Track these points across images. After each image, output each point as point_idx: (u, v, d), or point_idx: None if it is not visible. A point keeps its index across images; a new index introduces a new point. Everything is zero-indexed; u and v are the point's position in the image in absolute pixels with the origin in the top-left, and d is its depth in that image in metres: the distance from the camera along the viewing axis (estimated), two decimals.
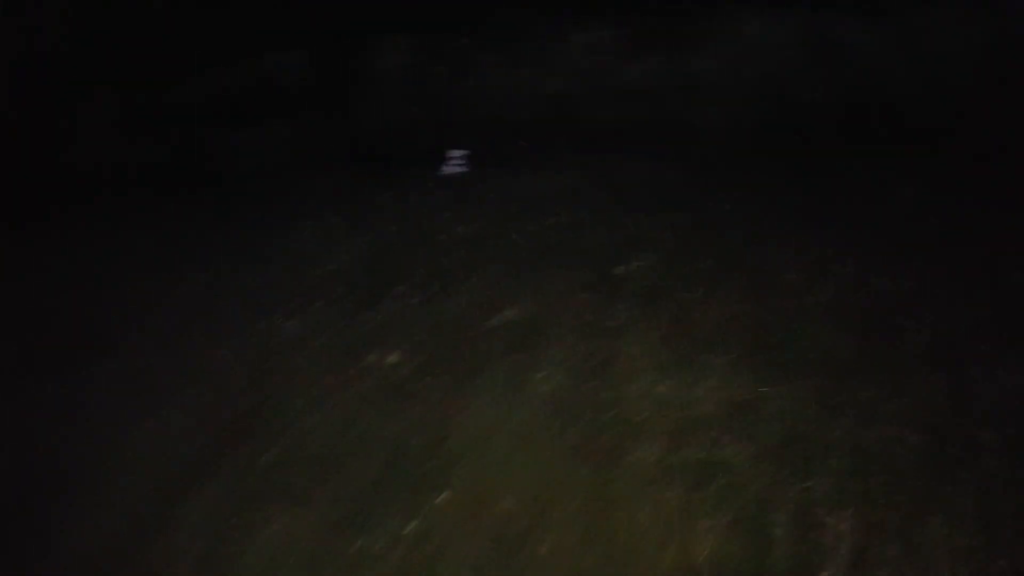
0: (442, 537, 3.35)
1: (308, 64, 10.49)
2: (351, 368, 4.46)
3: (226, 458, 4.02)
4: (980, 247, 5.18)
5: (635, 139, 8.69)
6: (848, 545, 3.08)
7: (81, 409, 4.48)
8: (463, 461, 3.77)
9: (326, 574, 3.29)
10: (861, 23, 10.82)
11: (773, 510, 3.26)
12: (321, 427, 4.20)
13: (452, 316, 4.79)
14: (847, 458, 3.49)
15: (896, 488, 3.31)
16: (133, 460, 4.11)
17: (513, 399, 4.08)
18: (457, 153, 9.33)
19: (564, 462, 3.62)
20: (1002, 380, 3.85)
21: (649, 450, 3.58)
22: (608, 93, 10.73)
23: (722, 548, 3.11)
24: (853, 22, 10.80)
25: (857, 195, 6.54)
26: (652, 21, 10.60)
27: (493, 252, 5.60)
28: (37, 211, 7.06)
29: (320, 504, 3.65)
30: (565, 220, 6.28)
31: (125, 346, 4.93)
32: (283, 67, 11.14)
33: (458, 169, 8.53)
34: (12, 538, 3.68)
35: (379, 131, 9.69)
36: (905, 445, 3.54)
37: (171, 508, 3.74)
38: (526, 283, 5.09)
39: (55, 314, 5.45)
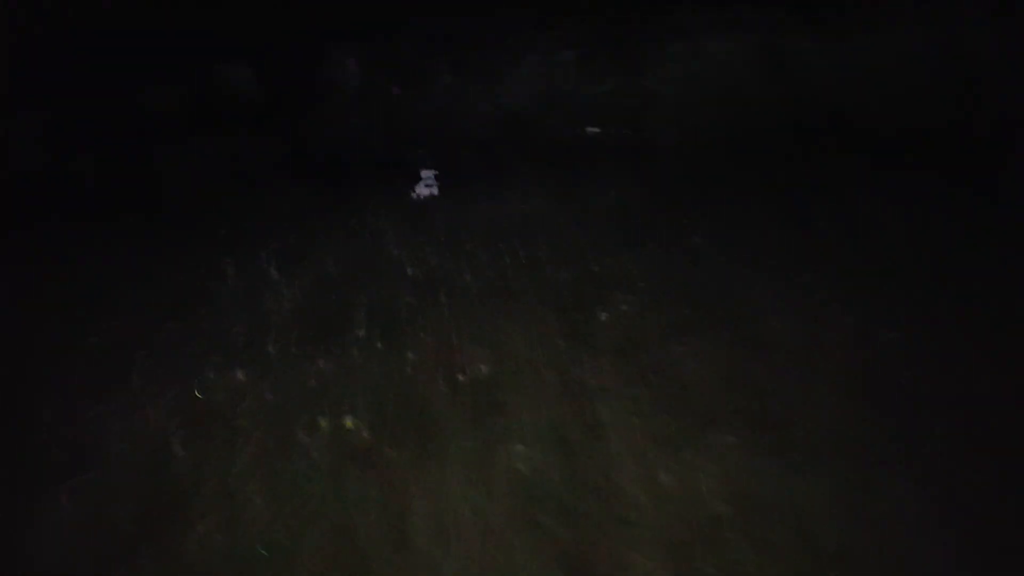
0: None
1: (257, 77, 9.60)
2: (297, 431, 3.66)
3: (155, 530, 3.23)
4: (975, 277, 4.62)
5: (596, 159, 8.02)
6: None
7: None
8: (423, 562, 3.02)
9: None
10: (813, 40, 10.36)
11: None
12: (259, 500, 3.43)
13: (407, 372, 4.01)
14: None
15: None
16: (61, 528, 3.29)
17: (484, 481, 3.34)
18: (411, 173, 8.55)
19: None
20: None
21: (652, 564, 2.87)
22: (567, 111, 10.07)
23: None
24: (807, 40, 10.33)
25: (833, 219, 5.96)
26: (609, 40, 9.97)
27: (448, 294, 4.84)
28: None
29: None
30: (525, 255, 5.55)
31: (43, 400, 4.04)
32: (231, 80, 10.21)
33: (411, 192, 7.76)
34: None
35: (330, 149, 8.86)
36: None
37: None
38: (487, 332, 4.35)
39: None
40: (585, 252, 5.63)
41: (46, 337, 4.51)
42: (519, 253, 5.65)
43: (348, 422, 3.59)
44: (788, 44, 10.37)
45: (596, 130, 7.97)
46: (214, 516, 3.35)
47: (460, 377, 3.94)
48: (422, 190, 8.38)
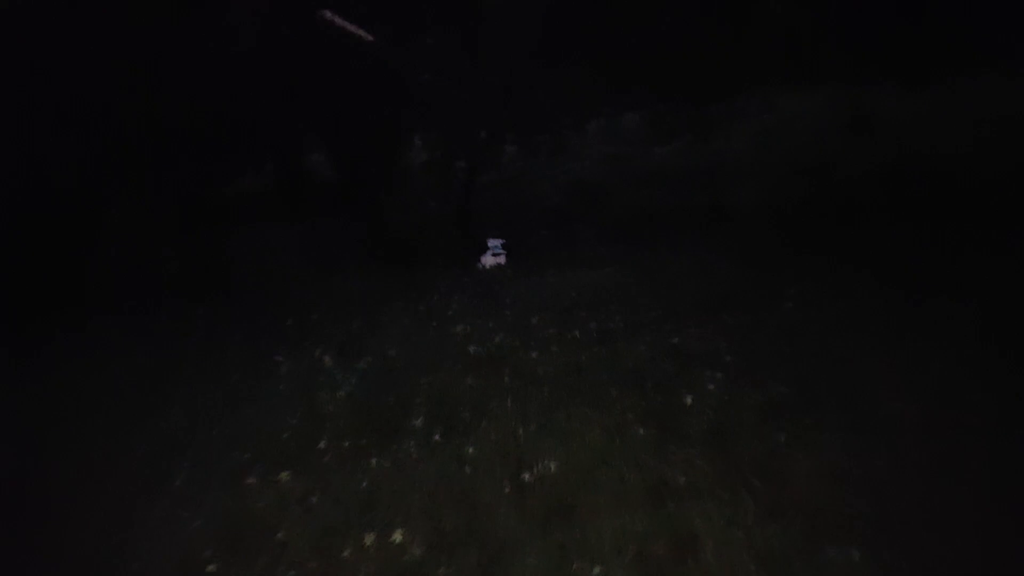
0: None
1: (336, 163, 9.45)
2: (344, 546, 3.10)
3: None
4: None
5: (669, 227, 7.41)
6: None
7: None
8: None
9: None
10: (895, 92, 9.60)
11: None
12: None
13: (466, 472, 3.43)
14: None
15: None
16: None
17: None
18: (479, 250, 8.13)
19: None
20: None
21: None
22: (634, 178, 9.54)
23: None
24: (887, 92, 9.58)
25: (938, 282, 5.17)
26: (675, 102, 9.45)
27: (514, 375, 4.27)
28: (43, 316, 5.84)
29: None
30: (597, 329, 4.95)
31: (81, 511, 3.60)
32: (310, 167, 10.11)
33: (479, 267, 7.30)
34: None
35: (401, 230, 8.55)
36: None
37: None
38: (556, 420, 3.74)
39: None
40: (663, 323, 4.99)
41: (94, 437, 4.13)
42: (590, 326, 5.05)
43: (398, 535, 3.01)
44: (867, 94, 9.65)
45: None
46: None
47: (526, 476, 3.33)
48: (488, 260, 7.92)
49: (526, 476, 3.32)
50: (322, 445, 3.77)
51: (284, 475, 3.51)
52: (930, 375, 3.90)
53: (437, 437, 3.71)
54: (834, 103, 9.72)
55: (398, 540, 3.00)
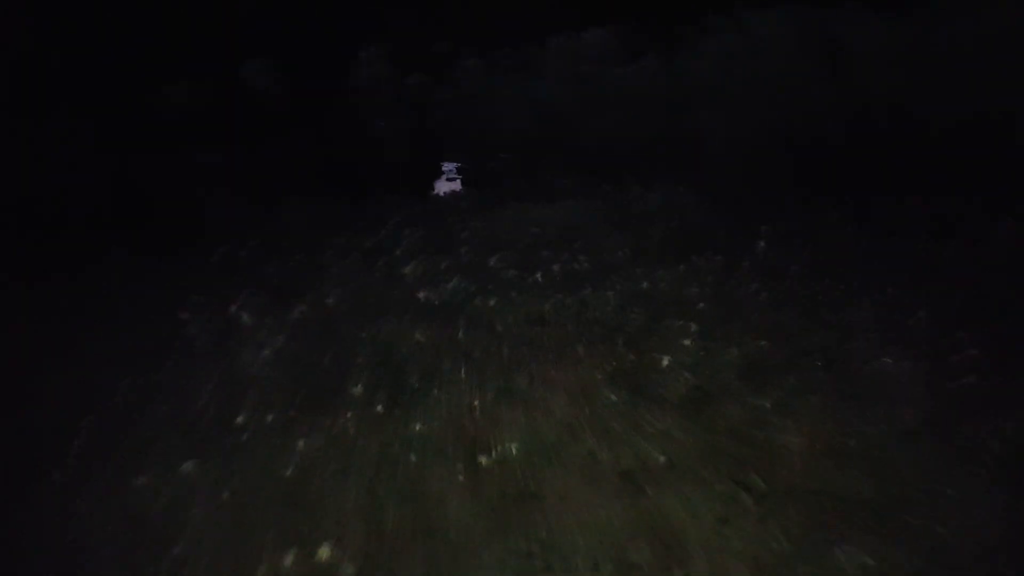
0: None
1: (279, 77, 8.42)
2: (256, 570, 2.46)
3: None
4: None
5: (634, 156, 6.72)
6: None
7: None
8: None
9: None
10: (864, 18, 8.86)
11: None
12: None
13: (410, 459, 2.82)
14: None
15: None
16: None
17: None
18: (434, 176, 7.35)
19: None
20: None
21: None
22: (597, 100, 8.74)
23: None
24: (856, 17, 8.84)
25: (910, 222, 4.64)
26: (639, 19, 8.59)
27: (467, 335, 3.64)
28: None
29: None
30: (561, 274, 4.32)
31: None
32: (253, 81, 8.99)
33: (433, 196, 6.55)
34: None
35: (348, 152, 7.68)
36: None
37: None
38: (515, 391, 3.14)
39: None
40: (631, 266, 4.38)
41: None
42: (553, 268, 4.42)
43: (325, 551, 2.40)
44: (841, 18, 8.90)
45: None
46: None
47: (483, 460, 2.75)
48: (444, 186, 7.18)
49: (483, 459, 2.74)
50: (240, 420, 3.11)
51: (187, 465, 2.85)
52: (915, 323, 3.39)
53: (379, 408, 3.09)
54: (805, 26, 8.95)
55: (325, 557, 2.40)
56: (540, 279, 4.27)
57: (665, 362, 3.17)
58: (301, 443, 2.87)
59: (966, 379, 2.88)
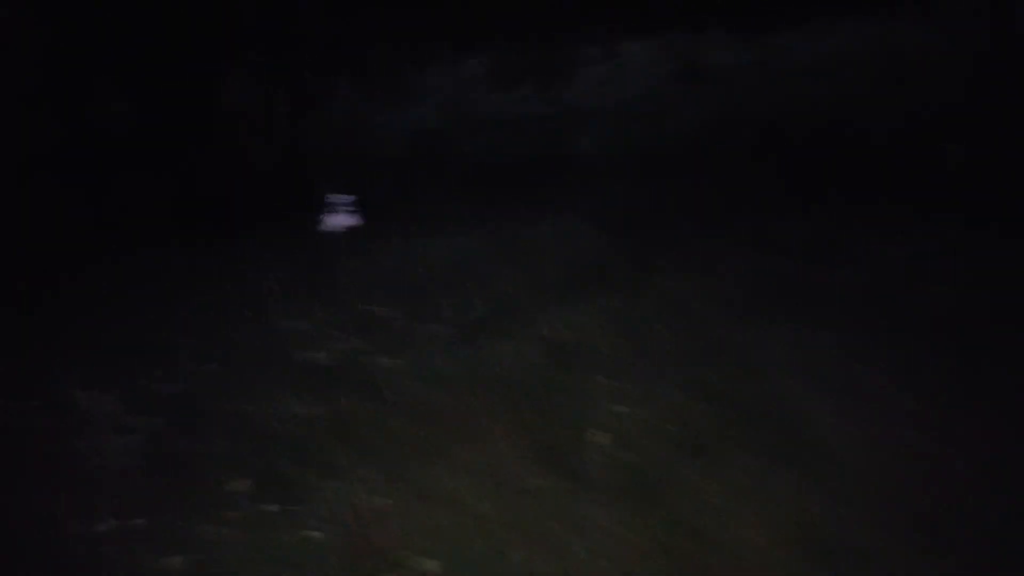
0: None
1: (135, 106, 7.29)
2: None
3: None
4: None
5: (518, 182, 6.22)
6: None
7: None
8: None
9: None
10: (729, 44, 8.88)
11: None
12: None
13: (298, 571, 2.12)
14: None
15: None
16: None
17: None
18: (308, 208, 6.56)
19: None
20: None
21: None
22: (477, 127, 8.22)
23: None
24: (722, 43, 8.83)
25: (801, 243, 4.40)
26: (519, 50, 8.16)
27: (352, 406, 2.95)
28: None
29: None
30: (455, 322, 3.72)
31: None
32: (107, 110, 7.76)
33: (310, 231, 5.77)
34: None
35: (214, 185, 6.74)
36: None
37: None
38: (412, 482, 2.49)
39: None
40: (529, 307, 3.84)
41: None
42: (446, 315, 3.80)
43: None
44: (700, 43, 8.85)
45: None
46: None
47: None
48: (331, 220, 6.39)
49: None
50: (101, 529, 2.28)
51: None
52: (847, 372, 3.04)
53: (255, 508, 2.36)
54: (669, 51, 8.84)
55: None
56: (435, 329, 3.64)
57: (589, 435, 2.62)
58: (177, 560, 2.10)
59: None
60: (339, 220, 6.26)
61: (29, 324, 3.68)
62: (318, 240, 5.47)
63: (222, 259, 4.71)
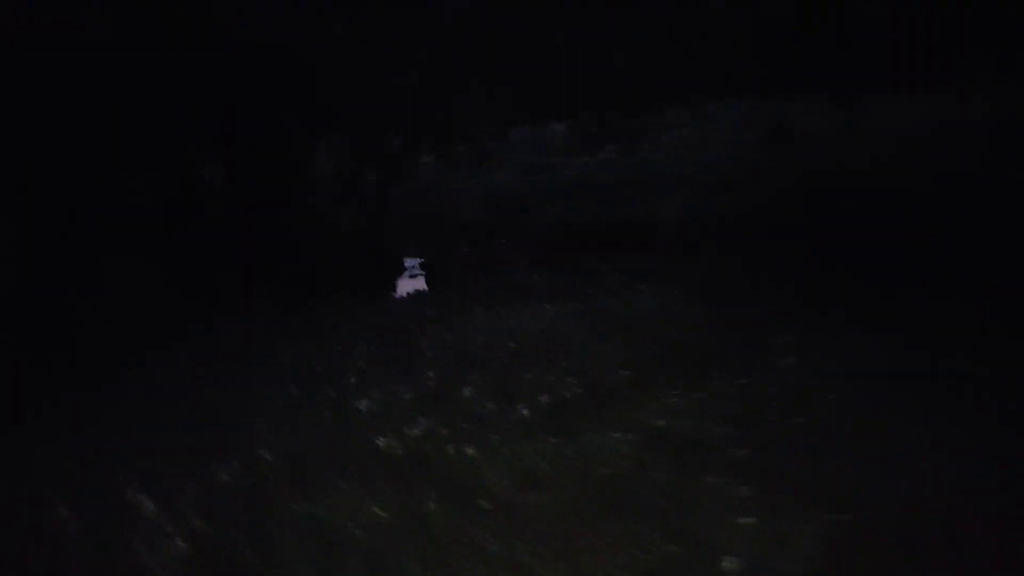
0: None
1: (229, 173, 7.29)
2: None
3: None
4: None
5: (605, 248, 5.78)
6: None
7: None
8: None
9: None
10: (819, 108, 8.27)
11: None
12: None
13: None
14: None
15: None
16: None
17: None
18: (392, 274, 6.28)
19: None
20: None
21: None
22: (559, 190, 7.86)
23: None
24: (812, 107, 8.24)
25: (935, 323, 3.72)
26: (603, 113, 7.81)
27: (440, 510, 2.46)
28: None
29: None
30: (550, 406, 3.21)
31: None
32: (200, 176, 7.84)
33: (392, 299, 5.45)
34: None
35: (302, 249, 6.57)
36: None
37: None
38: None
39: None
40: (636, 393, 3.30)
41: None
42: (540, 399, 3.30)
43: None
44: (786, 107, 8.29)
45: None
46: None
47: None
48: (406, 284, 6.09)
49: None
50: None
51: None
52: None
53: None
54: (756, 115, 8.33)
55: None
56: (526, 414, 3.14)
57: (725, 562, 2.05)
58: None
59: None
60: (421, 287, 5.94)
61: (99, 403, 3.38)
62: (401, 308, 5.14)
63: (303, 327, 4.38)
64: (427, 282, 5.59)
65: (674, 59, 6.48)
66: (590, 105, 6.85)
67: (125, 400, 3.34)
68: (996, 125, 6.22)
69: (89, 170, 5.89)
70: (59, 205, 5.39)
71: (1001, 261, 4.10)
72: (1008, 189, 5.40)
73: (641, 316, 4.05)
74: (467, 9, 5.90)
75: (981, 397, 2.90)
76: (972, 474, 2.38)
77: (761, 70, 7.12)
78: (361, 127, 7.46)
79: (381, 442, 2.96)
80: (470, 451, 2.85)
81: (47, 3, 5.22)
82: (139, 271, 4.95)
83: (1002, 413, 2.72)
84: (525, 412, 3.15)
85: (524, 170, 7.69)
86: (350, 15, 6.39)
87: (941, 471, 2.44)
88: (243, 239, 6.47)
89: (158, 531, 2.35)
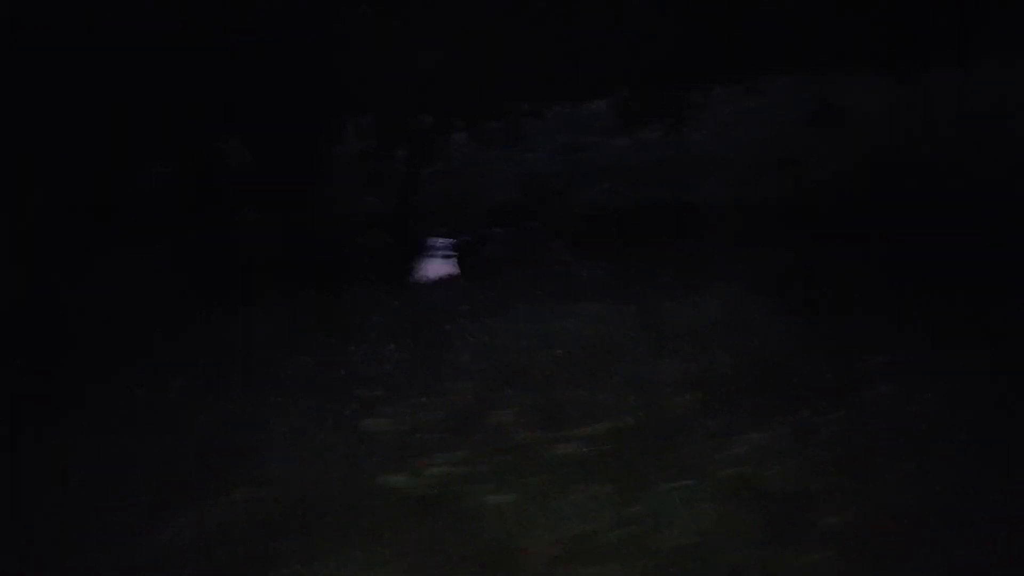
0: None
1: (250, 152, 6.65)
2: None
3: None
4: None
5: (646, 232, 5.08)
6: None
7: None
8: None
9: None
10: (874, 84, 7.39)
11: None
12: None
13: None
14: None
15: None
16: None
17: None
18: (424, 257, 5.66)
19: None
20: None
21: None
22: (600, 172, 7.14)
23: None
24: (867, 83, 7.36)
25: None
26: (644, 90, 7.03)
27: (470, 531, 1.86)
28: None
29: None
30: (608, 438, 2.58)
31: None
32: (222, 157, 7.14)
33: (423, 294, 4.83)
34: None
35: (327, 233, 5.97)
36: None
37: None
38: None
39: None
40: (709, 420, 2.65)
41: None
42: (597, 428, 2.67)
43: None
44: (836, 83, 7.42)
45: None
46: None
47: None
48: (434, 268, 5.45)
49: None
50: None
51: None
52: None
53: None
54: (806, 91, 7.46)
55: None
56: (569, 448, 2.51)
57: None
58: None
59: None
60: (455, 274, 5.30)
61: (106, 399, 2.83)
62: (432, 301, 4.52)
63: (324, 325, 3.79)
64: (460, 270, 4.94)
65: (713, 34, 5.70)
66: (631, 82, 6.08)
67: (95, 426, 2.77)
68: None
69: (86, 152, 5.30)
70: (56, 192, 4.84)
71: None
72: None
73: (706, 323, 3.37)
74: None
75: None
76: None
77: (809, 41, 6.28)
78: (389, 105, 6.74)
79: (396, 480, 2.36)
80: (499, 500, 2.23)
81: None
82: (141, 265, 4.40)
83: None
84: (572, 446, 2.52)
85: (561, 151, 6.94)
86: None
87: None
88: (261, 227, 5.86)
89: None
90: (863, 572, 1.86)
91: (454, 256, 5.73)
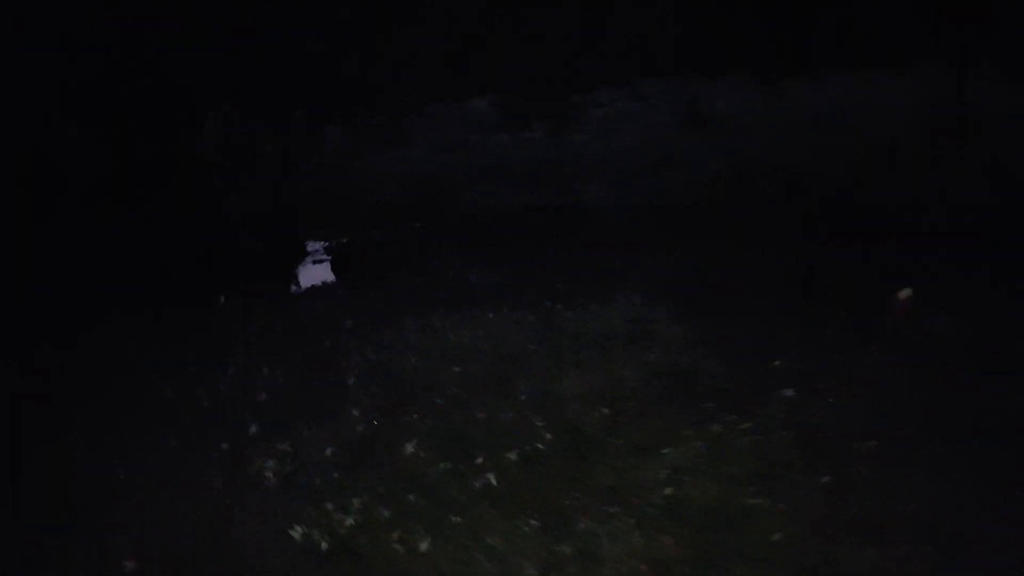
0: None
1: (103, 145, 5.73)
2: None
3: None
4: None
5: (533, 234, 4.93)
6: None
7: None
8: None
9: None
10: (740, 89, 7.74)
11: None
12: None
13: None
14: None
15: None
16: None
17: None
18: (299, 271, 5.13)
19: None
20: None
21: None
22: (487, 174, 6.90)
23: None
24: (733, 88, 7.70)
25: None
26: (525, 90, 6.89)
27: None
28: None
29: None
30: (518, 464, 2.36)
31: None
32: (70, 149, 6.15)
33: (302, 303, 4.34)
34: None
35: (182, 234, 5.27)
36: None
37: None
38: None
39: None
40: (615, 441, 2.49)
41: None
42: (509, 456, 2.42)
43: None
44: (708, 90, 7.70)
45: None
46: None
47: None
48: (309, 273, 4.98)
49: None
50: None
51: None
52: None
53: None
54: (679, 96, 7.67)
55: None
56: (491, 481, 2.25)
57: None
58: None
59: None
60: (335, 288, 4.84)
61: None
62: (312, 314, 4.05)
63: (184, 345, 3.25)
64: (340, 277, 4.51)
65: (603, 34, 5.65)
66: (512, 82, 5.91)
67: None
68: (932, 108, 5.84)
69: None
70: None
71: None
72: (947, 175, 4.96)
73: (606, 332, 3.22)
74: None
75: None
76: None
77: (679, 49, 6.42)
78: (257, 94, 6.14)
79: (296, 533, 1.99)
80: (424, 546, 1.93)
81: None
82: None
83: None
84: (490, 477, 2.26)
85: (442, 148, 6.64)
86: None
87: None
88: (106, 233, 5.07)
89: None
90: None
91: (332, 260, 5.27)
